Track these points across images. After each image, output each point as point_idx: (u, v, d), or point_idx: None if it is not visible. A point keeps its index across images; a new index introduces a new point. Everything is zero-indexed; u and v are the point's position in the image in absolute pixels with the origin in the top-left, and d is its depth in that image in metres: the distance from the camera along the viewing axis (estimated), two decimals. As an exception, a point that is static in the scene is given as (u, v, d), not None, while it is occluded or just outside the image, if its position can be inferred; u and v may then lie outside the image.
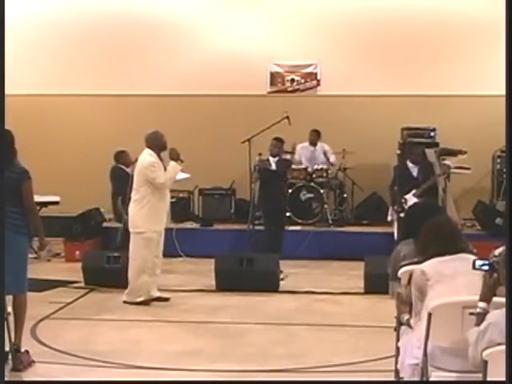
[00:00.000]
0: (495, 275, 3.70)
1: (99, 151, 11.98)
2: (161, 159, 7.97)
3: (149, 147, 7.93)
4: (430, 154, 11.15)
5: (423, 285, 4.21)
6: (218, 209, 12.06)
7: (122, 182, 9.53)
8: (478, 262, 3.79)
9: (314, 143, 12.10)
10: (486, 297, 3.72)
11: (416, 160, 10.24)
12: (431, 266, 4.25)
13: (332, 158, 12.03)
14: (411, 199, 9.74)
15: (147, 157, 7.89)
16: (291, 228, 11.13)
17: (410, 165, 10.26)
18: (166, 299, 8.04)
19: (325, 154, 12.04)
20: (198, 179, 11.20)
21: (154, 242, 7.86)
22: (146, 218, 7.81)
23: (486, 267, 3.75)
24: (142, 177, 7.86)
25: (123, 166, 10.54)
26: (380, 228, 11.10)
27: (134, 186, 7.95)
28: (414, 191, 9.88)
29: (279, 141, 10.35)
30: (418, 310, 4.32)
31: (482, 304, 3.70)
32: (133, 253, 7.91)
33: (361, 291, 8.55)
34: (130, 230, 7.95)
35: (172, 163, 7.96)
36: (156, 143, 7.93)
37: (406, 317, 4.50)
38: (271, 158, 10.32)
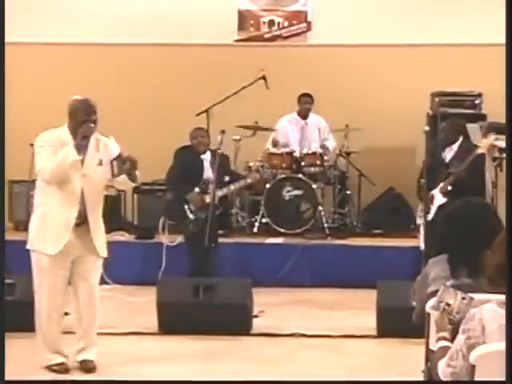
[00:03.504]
0: None
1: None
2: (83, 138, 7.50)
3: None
4: (474, 131, 11.20)
5: (477, 341, 4.14)
6: (161, 213, 12.04)
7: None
8: None
9: (305, 115, 11.99)
10: None
11: (448, 140, 10.32)
12: (492, 312, 4.14)
13: (330, 141, 12.00)
14: (438, 196, 9.84)
15: (45, 132, 7.61)
16: (269, 241, 11.21)
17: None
18: (90, 369, 7.51)
19: (320, 132, 12.06)
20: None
21: (46, 270, 7.41)
22: (34, 231, 7.55)
23: None
24: None
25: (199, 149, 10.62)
26: (400, 240, 11.21)
27: None
28: (441, 184, 9.96)
29: None
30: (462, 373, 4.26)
31: None
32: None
33: (372, 333, 8.62)
34: None
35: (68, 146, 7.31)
36: (70, 115, 7.68)
37: (442, 334, 4.45)
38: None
